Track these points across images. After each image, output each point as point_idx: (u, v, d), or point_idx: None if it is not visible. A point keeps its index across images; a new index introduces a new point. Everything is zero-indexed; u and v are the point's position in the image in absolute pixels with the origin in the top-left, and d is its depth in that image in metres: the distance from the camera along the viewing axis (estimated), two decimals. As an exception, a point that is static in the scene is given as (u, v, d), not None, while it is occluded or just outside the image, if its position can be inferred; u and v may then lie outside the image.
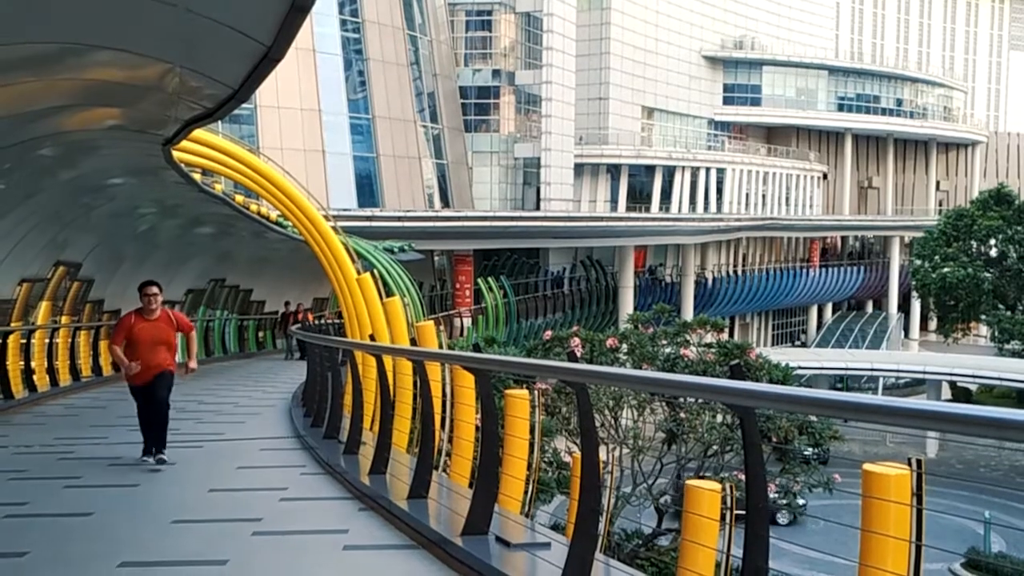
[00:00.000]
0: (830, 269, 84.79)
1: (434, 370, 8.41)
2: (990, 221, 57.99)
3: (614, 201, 68.24)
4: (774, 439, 17.17)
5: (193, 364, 10.06)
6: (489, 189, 59.34)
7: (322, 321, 29.61)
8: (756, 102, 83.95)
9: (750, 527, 3.99)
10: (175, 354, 9.95)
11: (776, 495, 18.38)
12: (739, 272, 74.56)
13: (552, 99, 59.74)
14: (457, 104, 56.46)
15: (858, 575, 4.70)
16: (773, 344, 76.05)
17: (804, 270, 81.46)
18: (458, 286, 49.36)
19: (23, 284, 16.64)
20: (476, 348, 8.47)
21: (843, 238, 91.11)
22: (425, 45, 52.12)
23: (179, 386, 10.35)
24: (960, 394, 55.42)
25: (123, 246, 20.80)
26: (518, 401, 7.56)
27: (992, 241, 60.07)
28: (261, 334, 32.66)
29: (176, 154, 13.20)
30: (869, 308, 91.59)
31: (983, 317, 60.11)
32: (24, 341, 16.55)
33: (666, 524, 20.02)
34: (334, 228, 17.00)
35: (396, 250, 32.69)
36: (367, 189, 47.07)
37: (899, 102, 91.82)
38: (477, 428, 8.38)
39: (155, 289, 9.70)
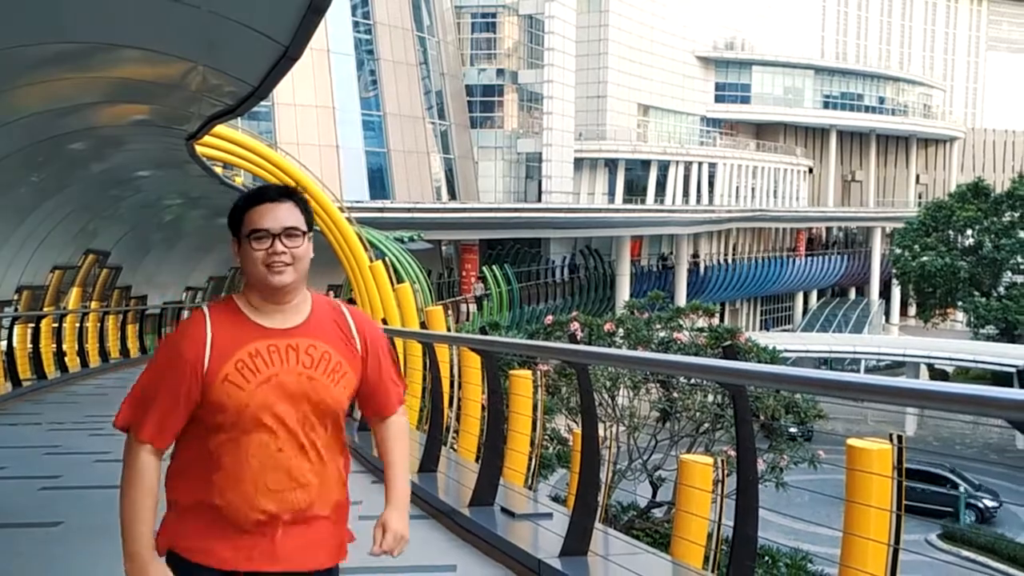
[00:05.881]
0: (815, 258, 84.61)
1: (443, 352, 8.42)
2: (967, 213, 57.79)
3: (611, 193, 68.04)
4: (762, 417, 17.14)
5: (401, 524, 2.68)
6: (493, 182, 59.25)
7: None
8: (746, 100, 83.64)
9: (741, 498, 4.00)
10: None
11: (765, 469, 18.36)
12: (729, 261, 74.38)
13: (553, 97, 59.55)
14: (463, 102, 56.32)
15: (842, 544, 4.71)
16: (761, 328, 75.94)
17: (791, 259, 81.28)
18: (464, 274, 49.35)
19: (55, 271, 16.67)
20: (483, 331, 8.47)
21: (828, 229, 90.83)
22: (433, 46, 51.96)
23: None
24: (938, 376, 55.31)
25: (150, 235, 20.80)
26: (522, 381, 7.57)
27: (969, 232, 59.88)
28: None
29: (199, 148, 13.18)
30: (852, 295, 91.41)
31: (960, 303, 59.96)
32: (56, 325, 16.60)
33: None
34: (348, 219, 17.01)
35: (406, 240, 32.62)
36: (378, 182, 47.02)
37: (881, 100, 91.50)
38: (483, 407, 8.39)
39: (290, 217, 2.42)
